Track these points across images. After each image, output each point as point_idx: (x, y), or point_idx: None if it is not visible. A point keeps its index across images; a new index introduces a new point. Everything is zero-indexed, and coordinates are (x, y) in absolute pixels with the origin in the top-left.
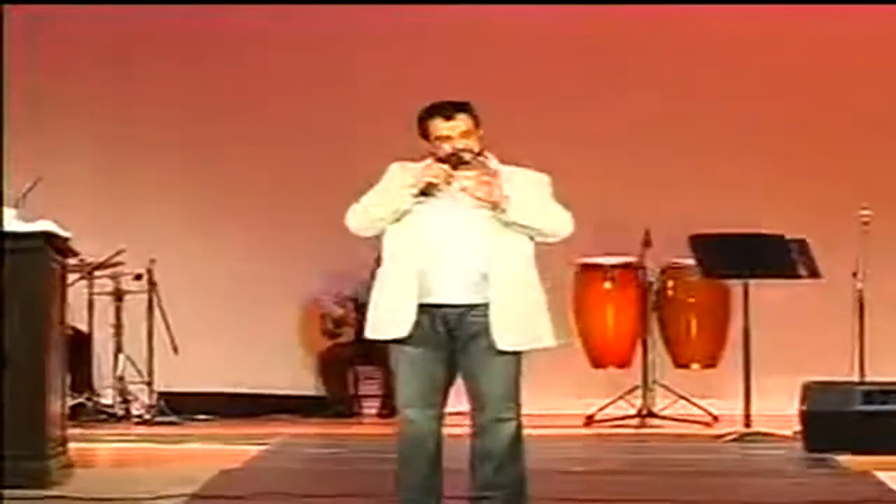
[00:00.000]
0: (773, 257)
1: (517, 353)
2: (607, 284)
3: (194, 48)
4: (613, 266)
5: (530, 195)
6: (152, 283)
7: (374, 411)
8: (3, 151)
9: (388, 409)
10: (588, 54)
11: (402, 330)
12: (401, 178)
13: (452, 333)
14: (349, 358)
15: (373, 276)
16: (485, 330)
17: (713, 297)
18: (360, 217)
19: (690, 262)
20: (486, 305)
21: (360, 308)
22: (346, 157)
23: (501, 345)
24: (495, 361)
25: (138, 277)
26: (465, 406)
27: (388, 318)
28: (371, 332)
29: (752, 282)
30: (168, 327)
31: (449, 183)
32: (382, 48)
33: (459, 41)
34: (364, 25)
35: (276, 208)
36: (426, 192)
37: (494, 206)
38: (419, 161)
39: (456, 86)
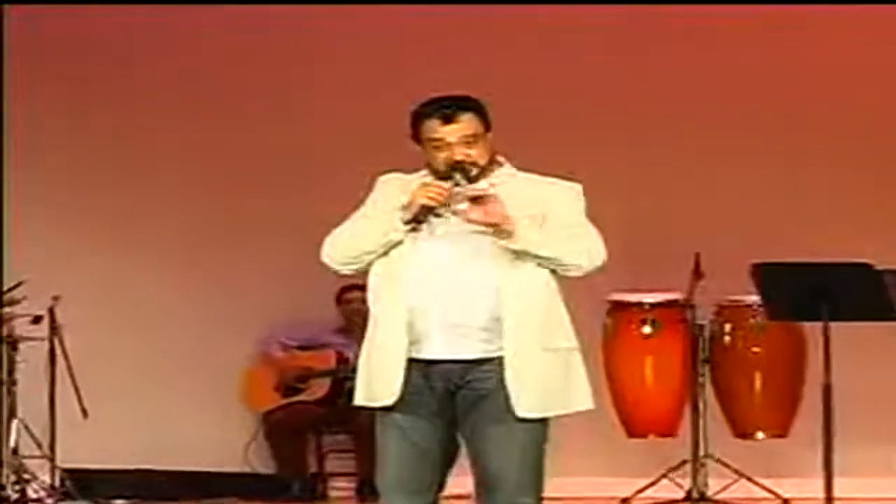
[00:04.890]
0: (862, 293)
1: (542, 421)
2: (646, 329)
3: (122, 49)
4: (654, 305)
5: (566, 214)
6: (55, 328)
7: (346, 493)
8: (3, 152)
9: (367, 491)
10: (622, 49)
11: (388, 393)
12: (393, 196)
13: (454, 396)
14: (310, 423)
15: (345, 317)
16: (498, 391)
17: (783, 346)
18: (342, 249)
19: (753, 299)
20: (499, 360)
21: (342, 359)
22: (307, 167)
23: (520, 410)
24: (511, 432)
25: (37, 320)
26: (468, 487)
27: (374, 379)
28: (357, 397)
29: (833, 325)
30: (75, 385)
31: (450, 205)
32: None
33: (459, 34)
34: (330, 24)
35: (216, 231)
36: (420, 218)
37: (496, 230)
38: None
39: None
